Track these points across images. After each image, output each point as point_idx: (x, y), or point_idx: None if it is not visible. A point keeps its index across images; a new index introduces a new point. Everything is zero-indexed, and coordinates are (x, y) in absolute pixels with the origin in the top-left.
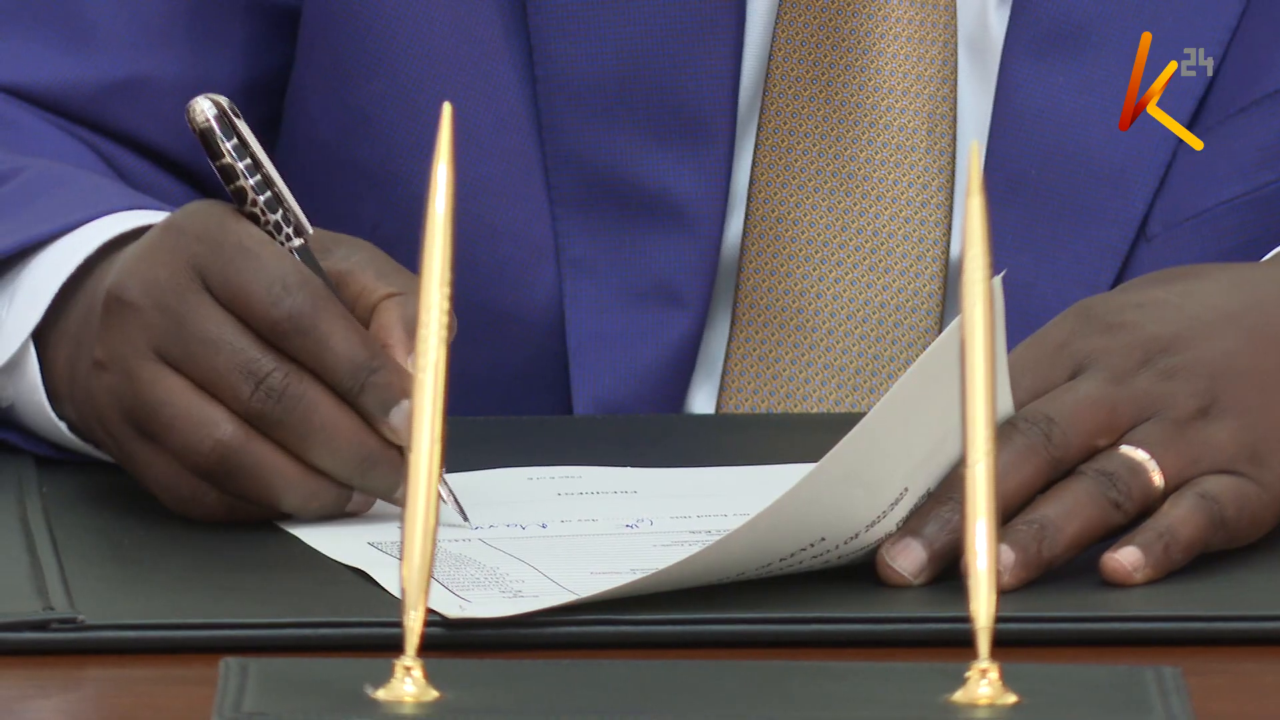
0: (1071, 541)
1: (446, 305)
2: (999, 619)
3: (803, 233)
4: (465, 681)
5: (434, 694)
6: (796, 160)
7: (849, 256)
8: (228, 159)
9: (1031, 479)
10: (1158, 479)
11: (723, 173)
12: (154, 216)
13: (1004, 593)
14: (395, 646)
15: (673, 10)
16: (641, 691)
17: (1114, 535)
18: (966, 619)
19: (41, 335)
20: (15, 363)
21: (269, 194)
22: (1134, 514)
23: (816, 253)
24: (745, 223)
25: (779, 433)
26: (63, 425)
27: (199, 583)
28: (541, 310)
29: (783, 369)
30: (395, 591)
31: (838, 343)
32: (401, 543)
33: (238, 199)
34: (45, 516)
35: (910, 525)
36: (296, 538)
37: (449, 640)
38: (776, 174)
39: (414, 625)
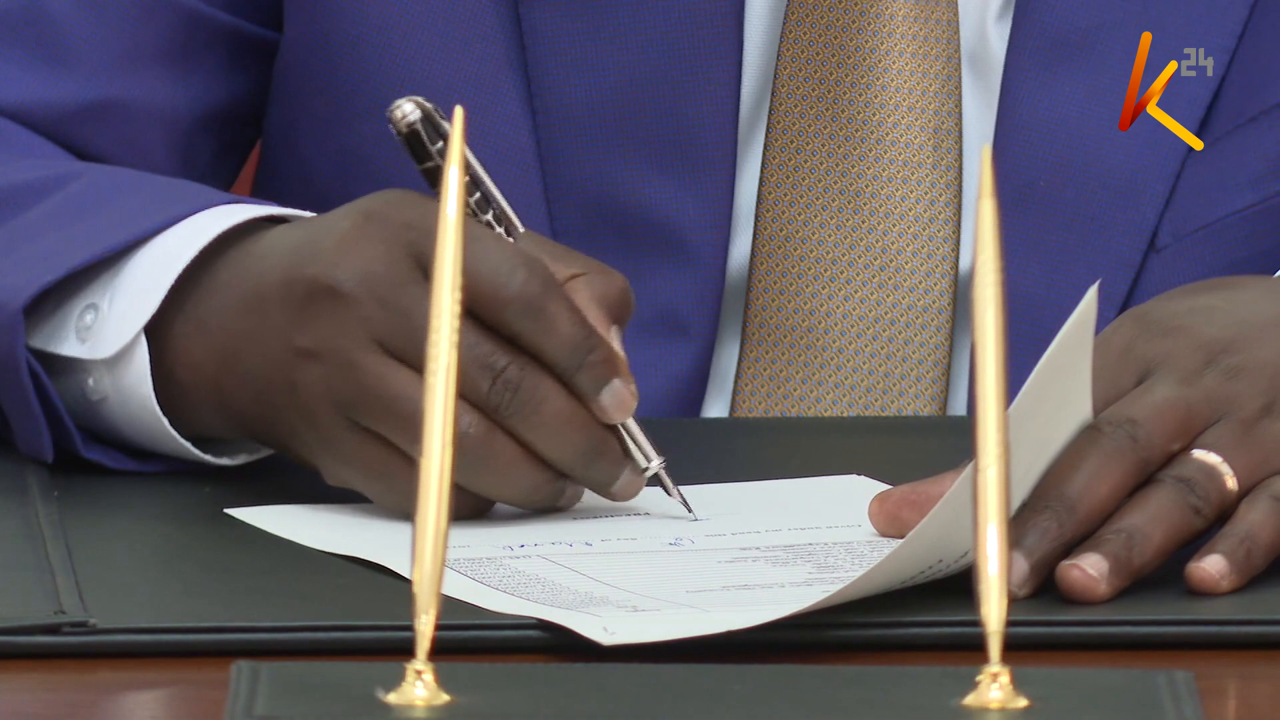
0: (1159, 549)
1: (458, 309)
2: (1010, 623)
3: (811, 250)
4: (476, 685)
5: (445, 698)
6: (804, 178)
7: (858, 273)
8: (435, 162)
9: (1122, 481)
10: (1231, 483)
11: (725, 199)
12: (257, 210)
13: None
14: (407, 650)
15: (670, 38)
16: (652, 696)
17: (1192, 542)
18: (977, 623)
19: (155, 329)
20: (120, 355)
21: (478, 194)
22: (1212, 519)
23: (825, 270)
24: (753, 242)
25: (789, 438)
26: (165, 419)
27: (210, 586)
28: None
29: (794, 387)
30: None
31: (848, 360)
32: (412, 546)
33: None
34: (58, 520)
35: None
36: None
37: (460, 644)
38: (784, 192)
39: (425, 629)
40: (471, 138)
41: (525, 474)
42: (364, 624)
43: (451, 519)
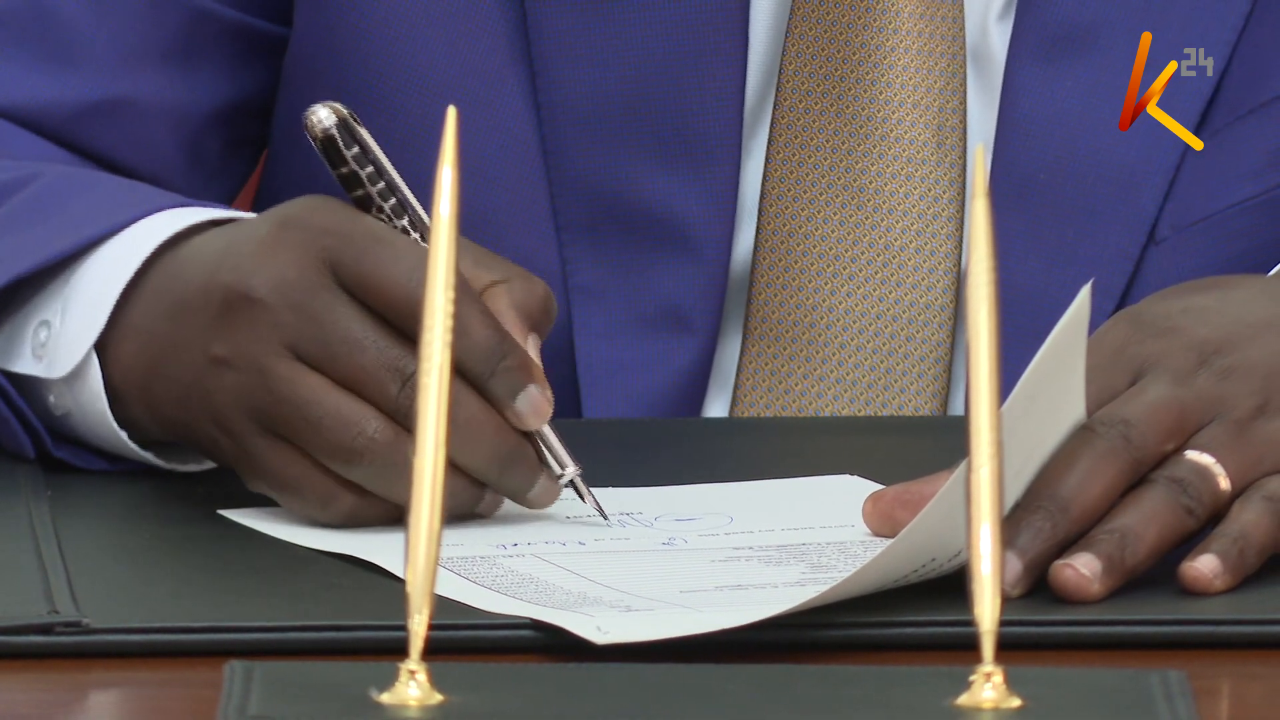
0: (1151, 549)
1: (452, 309)
2: (1003, 622)
3: (814, 246)
4: (470, 685)
5: (438, 697)
6: (808, 174)
7: (860, 269)
8: (349, 167)
9: (1116, 481)
10: (1224, 483)
11: (729, 194)
12: (201, 213)
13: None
14: (400, 650)
15: (676, 32)
16: (646, 696)
17: (1185, 542)
18: (971, 623)
19: (99, 340)
20: (76, 371)
21: (394, 200)
22: (1205, 519)
23: (828, 266)
24: (756, 237)
25: (791, 439)
26: (123, 434)
27: (204, 586)
28: (550, 339)
29: (795, 383)
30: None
31: (850, 356)
32: (405, 545)
33: (362, 207)
34: (51, 521)
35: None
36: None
37: (453, 644)
38: (788, 188)
39: (418, 629)
40: (476, 131)
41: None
42: (357, 624)
43: (366, 525)
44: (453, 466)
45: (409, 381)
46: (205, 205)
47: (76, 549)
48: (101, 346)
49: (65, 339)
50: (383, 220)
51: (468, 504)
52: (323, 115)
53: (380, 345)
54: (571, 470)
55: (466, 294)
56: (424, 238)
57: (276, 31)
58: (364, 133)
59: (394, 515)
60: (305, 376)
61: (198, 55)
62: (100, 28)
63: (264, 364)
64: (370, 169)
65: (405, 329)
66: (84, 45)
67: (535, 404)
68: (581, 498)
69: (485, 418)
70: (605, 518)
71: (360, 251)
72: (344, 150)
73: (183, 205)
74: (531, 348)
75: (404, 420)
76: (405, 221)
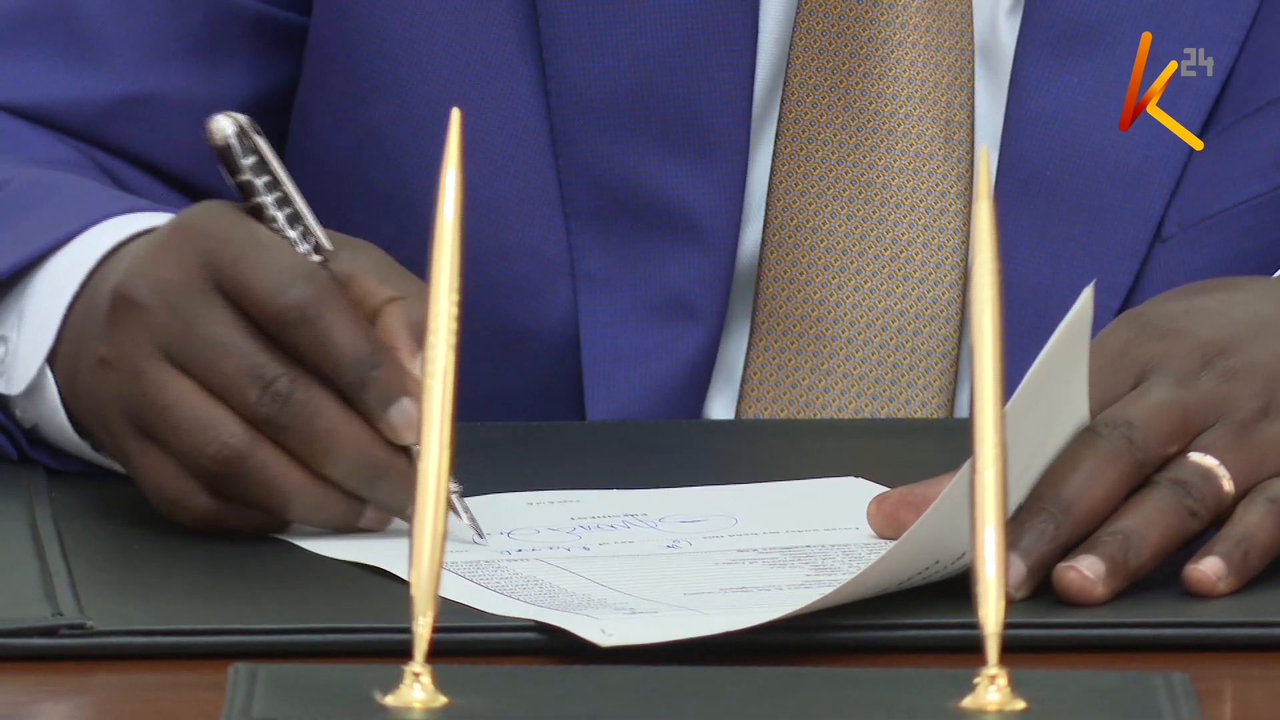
0: (1155, 551)
1: (455, 311)
2: (1007, 625)
3: (821, 240)
4: (474, 687)
5: (442, 700)
6: (815, 168)
7: (868, 264)
8: (245, 176)
9: (1118, 483)
10: (1228, 485)
11: (737, 184)
12: (150, 219)
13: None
14: (404, 652)
15: (685, 22)
16: (650, 698)
17: (1188, 544)
18: (975, 625)
19: (50, 353)
20: (34, 386)
21: (289, 210)
22: (1208, 521)
23: (835, 260)
24: (764, 231)
25: (796, 441)
26: (85, 444)
27: (208, 588)
28: (557, 327)
29: (802, 378)
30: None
31: (857, 351)
32: (409, 548)
33: (255, 216)
34: (54, 522)
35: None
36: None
37: (458, 646)
38: (795, 182)
39: (423, 631)
40: (485, 119)
41: (303, 491)
42: (361, 626)
43: (229, 530)
44: (319, 477)
45: (270, 388)
46: (154, 209)
47: (80, 551)
48: (52, 358)
49: (20, 356)
50: (275, 230)
51: (345, 518)
52: (223, 124)
53: (245, 351)
54: (450, 486)
55: (332, 302)
56: (317, 249)
57: (299, 22)
58: (261, 142)
59: (257, 523)
60: (174, 380)
61: (222, 49)
62: (123, 25)
63: (138, 365)
64: (266, 178)
65: (273, 336)
66: (107, 43)
67: (409, 417)
68: (458, 514)
69: (349, 428)
70: (481, 536)
71: (237, 256)
72: (240, 160)
73: (130, 211)
74: (418, 365)
75: (265, 428)
76: (297, 233)
